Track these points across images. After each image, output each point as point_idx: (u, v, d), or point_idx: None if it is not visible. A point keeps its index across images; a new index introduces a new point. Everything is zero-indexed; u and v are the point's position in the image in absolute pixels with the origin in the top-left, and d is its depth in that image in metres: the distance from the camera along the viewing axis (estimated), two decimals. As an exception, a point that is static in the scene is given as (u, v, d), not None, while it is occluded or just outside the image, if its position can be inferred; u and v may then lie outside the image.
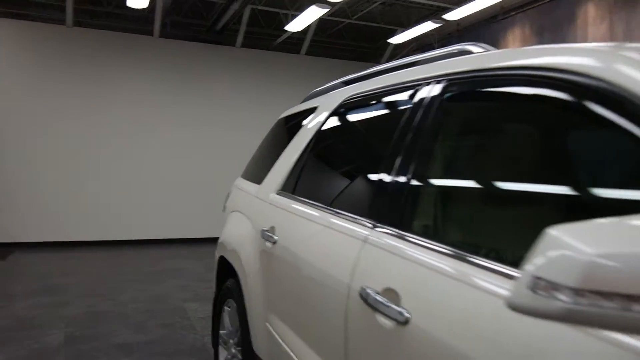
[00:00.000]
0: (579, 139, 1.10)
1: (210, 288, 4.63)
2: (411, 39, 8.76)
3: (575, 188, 1.05)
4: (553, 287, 0.64)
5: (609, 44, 1.11)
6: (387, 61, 10.35)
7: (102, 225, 8.02)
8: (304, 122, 2.50)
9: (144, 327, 4.13)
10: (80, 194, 7.91)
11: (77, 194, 7.88)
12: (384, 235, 1.41)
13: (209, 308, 3.85)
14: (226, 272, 2.83)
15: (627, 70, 0.97)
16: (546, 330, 0.86)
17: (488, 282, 1.01)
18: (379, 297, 1.29)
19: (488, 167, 1.32)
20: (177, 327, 4.17)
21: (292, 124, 2.73)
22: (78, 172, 7.92)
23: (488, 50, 1.58)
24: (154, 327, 4.14)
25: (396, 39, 8.54)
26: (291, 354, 1.86)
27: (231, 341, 2.70)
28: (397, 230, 1.38)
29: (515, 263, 0.94)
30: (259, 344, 2.25)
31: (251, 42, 9.15)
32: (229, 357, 2.73)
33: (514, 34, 7.90)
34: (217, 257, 2.97)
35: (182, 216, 8.33)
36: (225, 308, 2.82)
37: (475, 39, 8.75)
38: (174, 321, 4.31)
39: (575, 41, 6.88)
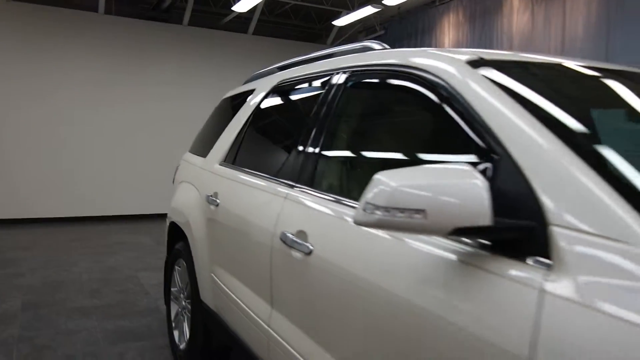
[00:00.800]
0: (424, 116, 1.54)
1: (161, 259, 4.94)
2: (355, 21, 9.15)
3: (414, 151, 1.49)
4: (375, 207, 1.07)
5: (452, 49, 1.55)
6: (333, 42, 10.66)
7: (56, 203, 8.08)
8: (244, 102, 2.87)
9: (100, 293, 4.42)
10: (33, 173, 7.93)
11: (29, 173, 7.90)
12: (299, 192, 1.83)
13: (160, 276, 4.18)
14: (176, 236, 3.19)
15: (452, 69, 1.40)
16: (385, 242, 1.31)
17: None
18: (294, 237, 1.71)
19: (369, 139, 1.76)
20: (131, 292, 4.49)
21: (233, 104, 3.09)
22: (31, 151, 7.92)
23: (385, 49, 1.99)
24: (109, 293, 4.45)
25: (339, 22, 8.90)
26: (231, 294, 2.27)
27: (181, 296, 3.08)
28: (308, 188, 1.80)
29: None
30: (205, 293, 2.64)
31: (198, 20, 9.27)
32: (180, 310, 3.11)
33: (449, 19, 8.43)
34: (167, 223, 3.32)
35: (133, 193, 8.50)
36: (176, 268, 3.19)
37: (415, 23, 9.25)
38: (128, 288, 4.62)
39: (501, 28, 7.47)
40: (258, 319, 1.98)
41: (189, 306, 2.91)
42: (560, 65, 1.59)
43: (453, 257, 1.13)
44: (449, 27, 8.45)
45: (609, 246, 0.89)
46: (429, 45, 8.90)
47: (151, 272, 5.11)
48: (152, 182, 8.36)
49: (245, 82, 3.26)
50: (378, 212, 1.06)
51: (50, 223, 7.87)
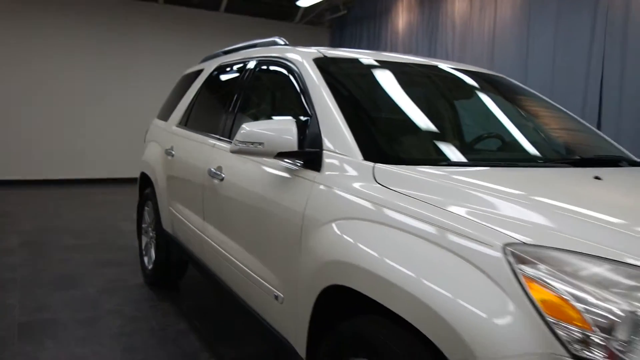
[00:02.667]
0: (286, 89, 2.44)
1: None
2: (318, 2, 9.89)
3: (278, 109, 2.39)
4: (238, 142, 1.97)
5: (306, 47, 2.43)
6: (300, 20, 11.32)
7: (41, 166, 8.86)
8: (195, 79, 3.73)
9: (85, 236, 5.31)
10: (20, 137, 8.67)
11: (15, 137, 8.64)
12: (220, 142, 2.73)
13: (135, 225, 5.07)
14: (145, 184, 4.07)
15: (303, 60, 2.29)
16: (253, 166, 2.22)
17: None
18: (215, 171, 2.61)
19: (258, 103, 2.67)
20: (111, 235, 5.39)
21: (188, 80, 3.94)
22: (21, 115, 8.67)
23: (286, 44, 2.86)
24: (93, 235, 5.34)
25: (303, 3, 9.64)
26: (182, 218, 3.19)
27: (149, 229, 3.99)
28: (226, 139, 2.69)
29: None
30: (165, 222, 3.55)
31: (173, -3, 9.94)
32: (148, 240, 4.02)
33: (403, 3, 9.24)
34: (139, 174, 4.20)
35: (112, 158, 9.31)
36: (145, 208, 4.09)
37: (374, 4, 10.03)
38: (109, 232, 5.52)
39: (445, 13, 8.30)
40: (196, 230, 2.90)
41: (155, 235, 3.82)
42: (377, 61, 2.48)
43: (283, 170, 2.05)
44: (403, 10, 9.28)
45: (341, 158, 1.80)
46: (385, 26, 9.73)
47: (128, 222, 5.98)
48: (131, 148, 9.16)
49: (200, 62, 4.10)
50: (239, 145, 1.96)
51: (36, 185, 8.66)
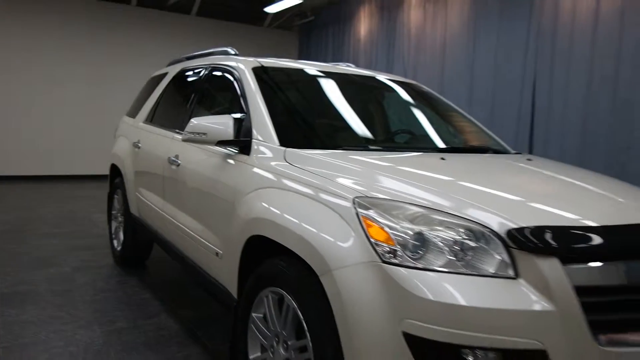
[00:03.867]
0: (230, 92, 2.97)
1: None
2: (286, 8, 10.44)
3: (222, 108, 2.93)
4: (187, 132, 2.50)
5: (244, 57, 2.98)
6: (269, 25, 11.84)
7: (19, 163, 9.20)
8: (160, 81, 4.24)
9: (62, 225, 5.75)
10: (1, 135, 9.01)
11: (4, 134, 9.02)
12: (178, 134, 3.25)
13: (108, 209, 5.54)
14: (115, 174, 4.56)
15: (244, 68, 2.83)
16: (201, 152, 2.76)
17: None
18: (173, 158, 3.13)
19: (207, 102, 3.20)
20: (85, 226, 5.84)
21: (154, 82, 4.45)
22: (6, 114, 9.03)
23: (236, 54, 3.39)
24: (69, 225, 5.78)
25: (270, 9, 10.18)
26: (146, 201, 3.69)
27: (118, 214, 4.47)
28: (179, 131, 3.21)
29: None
30: (133, 207, 4.05)
31: (147, 0, 10.34)
32: (117, 224, 4.51)
33: (365, 10, 9.86)
34: (109, 165, 4.68)
35: (87, 156, 9.70)
36: (115, 196, 4.58)
37: (339, 11, 10.62)
38: (83, 223, 5.96)
39: (402, 21, 8.93)
40: (158, 209, 3.41)
41: (123, 220, 4.30)
42: (304, 70, 3.04)
43: (223, 155, 2.58)
44: (364, 17, 9.89)
45: (264, 144, 2.35)
46: (349, 33, 10.32)
47: (101, 214, 6.42)
48: (105, 146, 9.56)
49: (166, 66, 4.61)
50: (188, 134, 2.50)
51: (11, 180, 9.01)
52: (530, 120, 6.81)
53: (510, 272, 1.54)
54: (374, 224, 1.64)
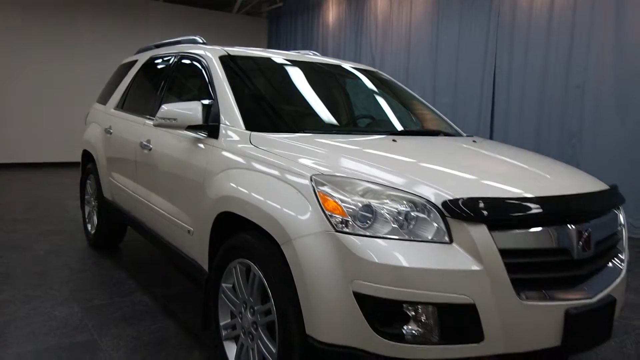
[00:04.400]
0: (198, 78, 3.13)
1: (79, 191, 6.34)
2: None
3: (191, 94, 3.09)
4: (158, 118, 2.66)
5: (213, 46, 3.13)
6: (238, 11, 11.86)
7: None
8: (130, 68, 4.35)
9: (31, 211, 5.80)
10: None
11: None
12: (149, 120, 3.39)
13: (78, 202, 5.61)
14: (87, 160, 4.65)
15: (211, 56, 2.98)
16: (170, 136, 2.92)
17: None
18: (145, 143, 3.28)
19: (177, 89, 3.35)
20: (56, 210, 5.90)
21: (124, 69, 4.54)
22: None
23: (203, 42, 3.53)
24: (38, 210, 5.83)
25: (239, -5, 10.22)
26: (119, 185, 3.82)
27: (92, 199, 4.58)
28: (150, 117, 3.35)
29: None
30: (106, 191, 4.17)
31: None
32: (90, 208, 4.62)
33: (333, -2, 10.01)
34: (81, 151, 4.77)
35: (55, 142, 9.63)
36: (88, 182, 4.68)
37: (307, -2, 10.73)
38: (53, 208, 6.02)
39: (369, 8, 9.11)
40: (131, 192, 3.55)
41: (96, 204, 4.42)
42: (267, 58, 3.21)
43: (193, 139, 2.75)
44: (332, 5, 10.04)
45: (232, 129, 2.53)
46: (317, 20, 10.46)
47: (71, 200, 6.47)
48: (73, 132, 9.51)
49: (135, 54, 4.70)
50: (159, 120, 2.65)
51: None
52: (491, 106, 7.13)
53: (446, 238, 1.78)
54: (328, 198, 1.85)
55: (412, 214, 1.81)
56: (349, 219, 1.80)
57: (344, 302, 1.76)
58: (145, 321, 3.04)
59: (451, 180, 2.01)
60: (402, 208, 1.81)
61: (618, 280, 2.12)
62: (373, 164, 2.05)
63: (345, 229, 1.79)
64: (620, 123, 5.73)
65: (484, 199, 1.83)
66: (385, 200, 1.83)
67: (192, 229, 2.66)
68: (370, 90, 3.42)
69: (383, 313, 1.74)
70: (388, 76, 3.72)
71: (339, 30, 9.92)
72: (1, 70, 9.24)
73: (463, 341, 1.75)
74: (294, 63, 3.23)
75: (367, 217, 1.80)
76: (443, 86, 7.80)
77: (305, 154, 2.15)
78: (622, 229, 2.30)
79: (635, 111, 5.61)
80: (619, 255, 2.25)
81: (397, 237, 1.78)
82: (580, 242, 1.94)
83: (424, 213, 1.81)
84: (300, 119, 2.83)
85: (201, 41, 3.54)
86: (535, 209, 1.88)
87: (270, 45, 12.09)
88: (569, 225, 1.92)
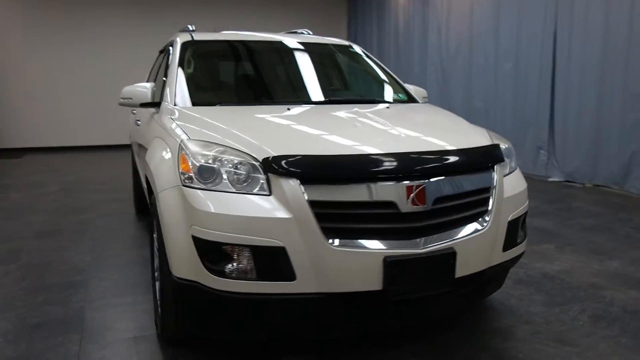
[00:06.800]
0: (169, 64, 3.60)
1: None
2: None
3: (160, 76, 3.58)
4: (121, 97, 3.20)
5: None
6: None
7: (75, 133, 10.61)
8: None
9: (107, 184, 6.87)
10: (73, 109, 10.46)
11: (70, 110, 10.45)
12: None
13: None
14: (132, 137, 5.43)
15: (179, 41, 3.44)
16: (146, 115, 3.44)
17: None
18: (137, 120, 3.86)
19: (161, 74, 3.86)
20: (124, 183, 6.90)
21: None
22: (67, 91, 10.39)
23: (193, 31, 4.00)
24: (111, 184, 6.89)
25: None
26: (137, 158, 4.50)
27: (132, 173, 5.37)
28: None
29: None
30: (136, 165, 4.90)
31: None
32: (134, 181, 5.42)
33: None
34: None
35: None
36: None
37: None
38: (123, 181, 7.04)
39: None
40: (137, 162, 4.20)
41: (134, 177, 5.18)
42: (223, 41, 3.57)
43: (150, 114, 3.24)
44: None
45: (166, 104, 2.97)
46: (385, -7, 10.41)
47: (146, 174, 7.50)
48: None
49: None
50: (121, 99, 3.19)
51: (74, 151, 10.42)
52: (551, 71, 6.75)
53: (266, 191, 2.05)
54: (185, 158, 2.22)
55: (243, 171, 2.11)
56: (193, 175, 2.15)
57: (187, 244, 2.12)
58: (148, 268, 3.66)
59: (285, 141, 2.25)
60: (236, 166, 2.11)
61: (467, 235, 2.19)
62: (235, 130, 2.36)
63: (189, 184, 2.14)
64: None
65: (295, 157, 2.06)
66: (224, 160, 2.14)
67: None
68: (319, 63, 3.61)
69: (211, 253, 2.07)
70: (359, 49, 3.85)
71: (407, 1, 9.86)
72: (69, 60, 10.40)
73: (277, 279, 2.03)
74: (248, 44, 3.57)
75: (208, 174, 2.13)
76: (505, 51, 7.50)
77: (195, 123, 2.52)
78: (493, 189, 2.33)
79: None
80: (484, 213, 2.29)
81: (227, 190, 2.09)
82: (410, 197, 2.07)
83: (253, 170, 2.10)
84: (222, 94, 3.19)
85: (191, 29, 4.01)
86: (347, 165, 2.06)
87: (349, 17, 12.22)
88: (394, 182, 2.06)
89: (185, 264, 2.14)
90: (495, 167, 2.37)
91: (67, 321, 2.82)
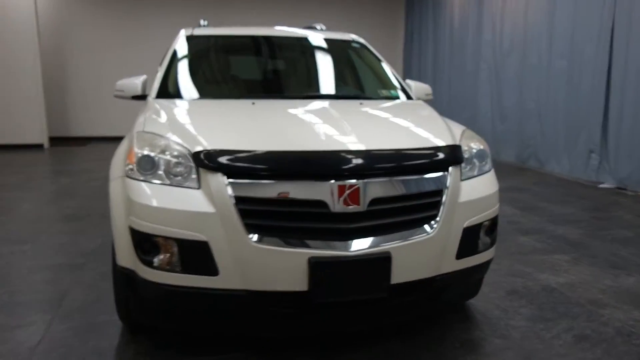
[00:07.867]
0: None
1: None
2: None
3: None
4: (115, 90, 3.33)
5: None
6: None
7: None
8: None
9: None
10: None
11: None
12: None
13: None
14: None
15: (181, 34, 3.53)
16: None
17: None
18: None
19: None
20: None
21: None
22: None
23: (205, 26, 4.08)
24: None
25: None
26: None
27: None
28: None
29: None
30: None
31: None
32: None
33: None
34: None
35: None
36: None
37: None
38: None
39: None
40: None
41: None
42: (219, 36, 3.58)
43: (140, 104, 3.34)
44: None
45: (150, 97, 3.05)
46: (441, -13, 10.04)
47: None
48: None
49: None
50: (115, 92, 3.31)
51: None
52: (607, 71, 6.22)
53: (195, 185, 2.06)
54: (133, 148, 2.27)
55: (177, 164, 2.12)
56: (134, 166, 2.19)
57: (125, 234, 2.17)
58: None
59: (223, 135, 2.23)
60: (171, 159, 2.13)
61: (408, 240, 2.07)
62: (189, 124, 2.38)
63: (130, 175, 2.19)
64: None
65: (222, 152, 2.04)
66: (163, 153, 2.16)
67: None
68: (312, 59, 3.54)
69: (143, 244, 2.11)
70: (363, 42, 3.74)
71: (464, -2, 9.51)
72: (134, 56, 10.67)
73: (200, 273, 2.03)
74: (241, 38, 3.58)
75: (147, 166, 2.17)
76: (559, 49, 7.01)
77: (162, 117, 2.57)
78: (445, 192, 2.17)
79: None
80: (432, 217, 2.15)
81: (161, 182, 2.11)
82: (342, 197, 1.99)
83: (185, 163, 2.11)
84: (203, 88, 3.20)
85: (203, 24, 4.09)
86: (271, 162, 2.01)
87: (406, 14, 11.95)
88: (324, 180, 1.99)
89: (125, 254, 2.20)
90: (449, 169, 2.21)
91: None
